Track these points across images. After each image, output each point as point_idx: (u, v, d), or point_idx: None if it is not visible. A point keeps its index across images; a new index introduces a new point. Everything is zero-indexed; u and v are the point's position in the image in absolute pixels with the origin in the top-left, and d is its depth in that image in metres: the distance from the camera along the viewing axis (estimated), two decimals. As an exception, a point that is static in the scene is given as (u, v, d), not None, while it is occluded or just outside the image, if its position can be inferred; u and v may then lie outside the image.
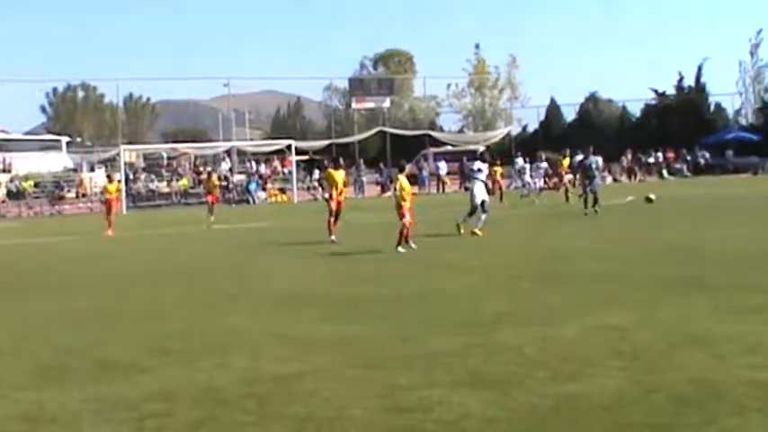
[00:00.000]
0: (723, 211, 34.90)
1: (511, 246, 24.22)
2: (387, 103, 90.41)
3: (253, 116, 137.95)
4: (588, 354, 10.54)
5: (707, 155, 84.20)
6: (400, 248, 23.59)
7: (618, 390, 8.90)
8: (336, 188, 27.97)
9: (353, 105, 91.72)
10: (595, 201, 35.05)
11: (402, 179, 24.84)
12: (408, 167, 77.85)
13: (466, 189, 70.49)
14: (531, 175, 53.49)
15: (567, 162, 46.28)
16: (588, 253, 22.35)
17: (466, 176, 27.77)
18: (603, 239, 26.03)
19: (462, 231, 27.22)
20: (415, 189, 66.24)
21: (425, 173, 77.46)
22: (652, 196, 39.30)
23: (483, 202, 27.78)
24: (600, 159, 38.44)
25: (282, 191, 73.23)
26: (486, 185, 29.21)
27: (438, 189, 74.16)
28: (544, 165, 53.75)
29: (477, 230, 27.07)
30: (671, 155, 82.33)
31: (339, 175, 28.45)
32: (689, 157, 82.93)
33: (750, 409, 8.04)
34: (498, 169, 50.31)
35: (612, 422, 7.94)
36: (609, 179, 73.75)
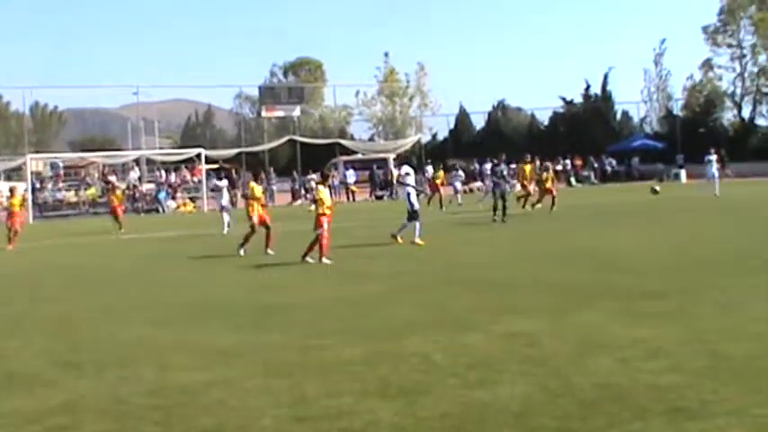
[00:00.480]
0: (629, 218, 35.25)
1: (421, 253, 24.26)
2: (297, 112, 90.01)
3: (162, 124, 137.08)
4: (496, 360, 10.62)
5: (613, 162, 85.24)
6: (326, 260, 23.14)
7: (526, 395, 8.99)
8: (258, 201, 27.60)
9: (263, 114, 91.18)
10: (504, 209, 35.21)
11: (322, 190, 24.44)
12: (317, 176, 78.31)
13: (377, 198, 70.90)
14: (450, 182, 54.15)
15: (529, 168, 44.90)
16: (497, 260, 22.48)
17: (398, 183, 27.12)
18: (511, 246, 26.15)
19: (401, 241, 26.91)
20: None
21: (335, 181, 77.42)
22: (657, 188, 39.36)
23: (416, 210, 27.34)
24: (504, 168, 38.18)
25: (192, 200, 72.69)
26: (418, 191, 29.14)
27: (348, 197, 74.11)
28: (461, 173, 54.35)
29: (417, 240, 26.58)
30: (579, 162, 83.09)
31: (258, 189, 28.11)
32: (596, 165, 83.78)
33: (653, 413, 8.17)
34: (441, 174, 49.58)
35: (521, 427, 8.02)
36: (518, 186, 74.28)
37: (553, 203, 40.37)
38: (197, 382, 10.44)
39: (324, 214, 23.60)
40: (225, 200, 38.84)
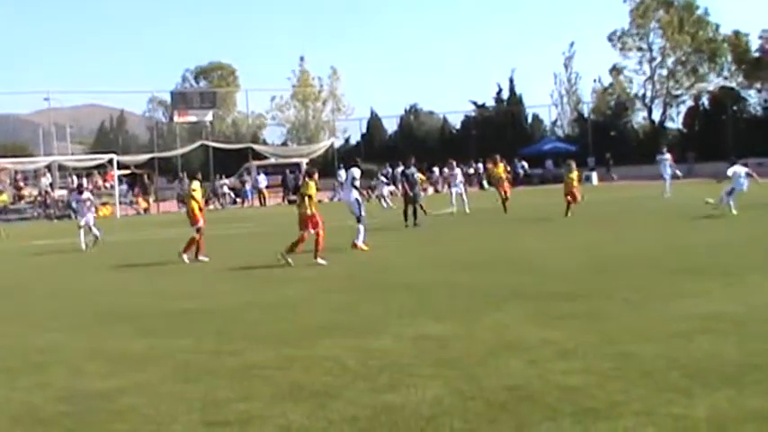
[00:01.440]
0: (543, 221, 35.41)
1: (335, 258, 24.19)
2: (209, 117, 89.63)
3: (75, 130, 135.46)
4: (407, 364, 10.65)
5: (526, 165, 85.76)
6: (320, 260, 22.74)
7: (436, 398, 9.02)
8: (199, 203, 26.80)
9: (176, 119, 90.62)
10: (415, 212, 35.19)
11: (312, 186, 23.81)
12: (231, 181, 78.02)
13: (290, 202, 70.76)
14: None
15: (501, 169, 44.24)
16: (409, 264, 22.54)
17: (351, 186, 26.27)
18: (424, 251, 26.20)
19: (366, 248, 26.13)
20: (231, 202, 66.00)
21: (248, 186, 77.16)
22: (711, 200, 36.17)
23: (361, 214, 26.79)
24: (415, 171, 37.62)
25: (105, 205, 72.05)
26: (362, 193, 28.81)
27: (260, 202, 73.99)
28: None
29: (360, 244, 26.16)
30: (490, 165, 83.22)
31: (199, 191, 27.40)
32: (508, 168, 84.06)
33: (563, 414, 8.24)
34: (422, 177, 47.72)
35: (431, 431, 8.06)
36: (430, 190, 74.53)
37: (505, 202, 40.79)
38: (109, 388, 10.36)
39: (313, 215, 23.32)
40: (88, 217, 34.26)
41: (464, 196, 44.14)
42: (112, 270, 25.16)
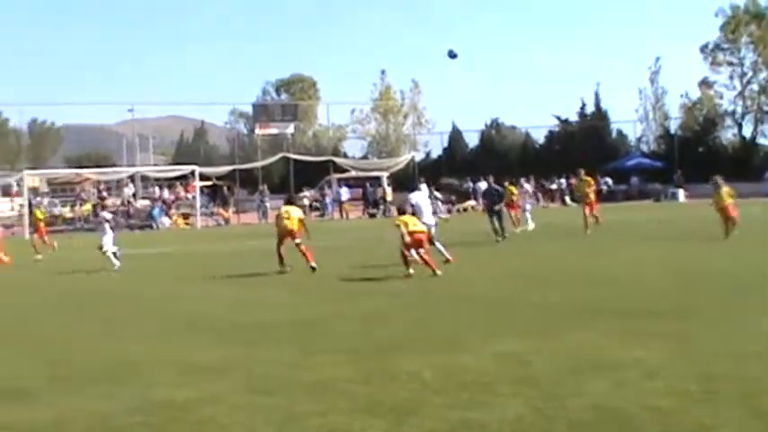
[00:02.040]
0: (627, 237, 34.93)
1: (414, 273, 23.93)
2: (290, 129, 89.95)
3: (157, 141, 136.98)
4: (487, 381, 10.44)
5: (609, 181, 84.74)
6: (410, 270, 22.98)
7: (517, 417, 8.81)
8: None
9: (257, 131, 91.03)
10: (502, 228, 34.79)
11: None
12: (311, 193, 78.13)
13: (370, 216, 70.63)
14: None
15: (586, 184, 41.53)
16: (490, 280, 22.28)
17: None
18: (503, 266, 25.92)
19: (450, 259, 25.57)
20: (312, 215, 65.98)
21: (328, 199, 77.20)
22: None
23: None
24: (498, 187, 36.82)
25: (186, 216, 72.49)
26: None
27: (341, 215, 73.94)
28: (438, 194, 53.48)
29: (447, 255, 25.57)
30: (574, 181, 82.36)
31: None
32: (592, 183, 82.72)
33: (649, 436, 7.99)
34: (513, 189, 45.49)
35: (512, 450, 7.86)
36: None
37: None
38: (186, 398, 10.30)
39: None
40: (108, 237, 31.12)
41: (527, 213, 43.21)
42: (192, 281, 25.17)
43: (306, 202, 77.66)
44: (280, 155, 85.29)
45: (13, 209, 72.56)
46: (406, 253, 23.20)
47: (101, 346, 14.65)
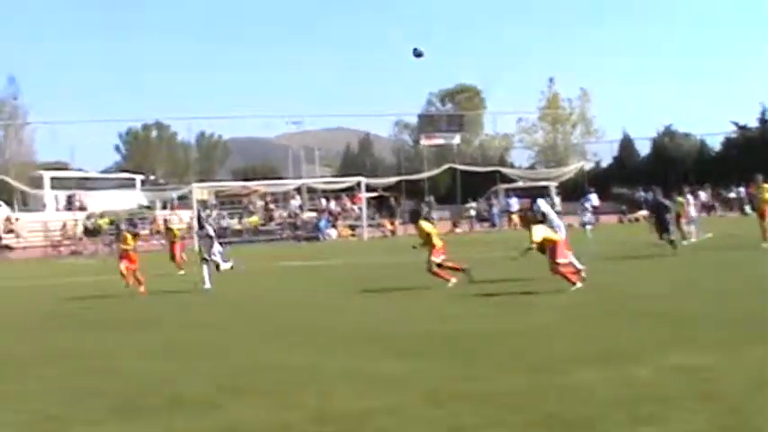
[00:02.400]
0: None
1: (584, 285, 23.54)
2: (456, 140, 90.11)
3: (322, 153, 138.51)
4: (666, 395, 10.16)
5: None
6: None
7: (698, 433, 8.52)
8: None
9: (422, 142, 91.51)
10: (671, 241, 33.87)
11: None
12: (477, 204, 77.98)
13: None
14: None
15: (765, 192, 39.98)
16: (666, 292, 21.67)
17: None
18: (680, 278, 25.33)
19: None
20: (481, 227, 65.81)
21: (496, 210, 76.95)
22: None
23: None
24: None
25: (352, 228, 73.10)
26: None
27: (510, 225, 73.46)
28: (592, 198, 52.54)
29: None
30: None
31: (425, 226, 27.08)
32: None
33: None
34: (681, 200, 44.01)
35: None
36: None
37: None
38: (360, 409, 10.32)
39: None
40: (216, 248, 29.74)
41: (693, 225, 41.93)
42: (360, 292, 25.18)
43: (472, 213, 77.64)
44: (446, 166, 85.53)
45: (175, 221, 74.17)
46: (559, 264, 22.46)
47: (273, 355, 14.81)
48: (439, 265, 24.53)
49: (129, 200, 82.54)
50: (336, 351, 15.01)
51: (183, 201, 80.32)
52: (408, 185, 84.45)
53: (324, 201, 79.32)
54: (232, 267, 29.95)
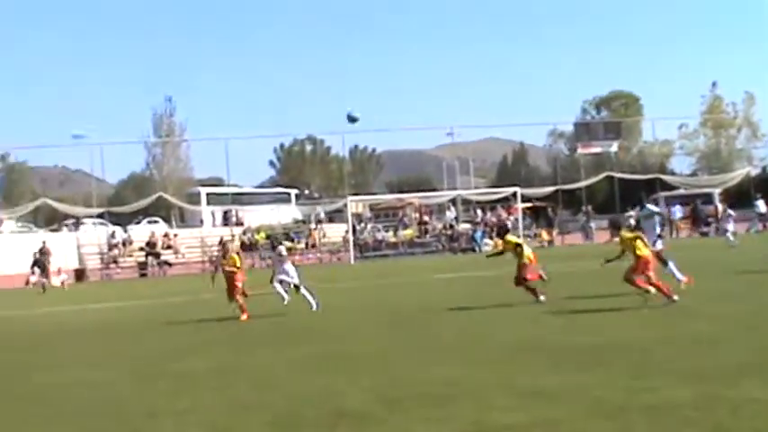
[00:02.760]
0: None
1: (741, 294, 22.74)
2: (614, 148, 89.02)
3: (476, 163, 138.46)
4: None
5: None
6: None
7: None
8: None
9: (579, 150, 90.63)
10: None
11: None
12: (635, 213, 76.74)
13: (702, 234, 68.50)
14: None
15: None
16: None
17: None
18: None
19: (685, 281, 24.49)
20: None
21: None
22: None
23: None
24: None
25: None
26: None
27: (672, 234, 72.03)
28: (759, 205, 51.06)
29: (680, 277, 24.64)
30: None
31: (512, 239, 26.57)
32: None
33: None
34: None
35: None
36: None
37: None
38: (519, 422, 10.09)
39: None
40: (289, 268, 27.51)
41: None
42: (517, 304, 24.72)
43: (632, 222, 76.41)
44: (603, 174, 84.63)
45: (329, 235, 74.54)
46: (637, 279, 21.66)
47: (429, 368, 14.62)
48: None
49: (285, 214, 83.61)
50: (490, 363, 14.78)
51: (338, 214, 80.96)
52: (565, 195, 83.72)
53: (479, 212, 79.05)
54: (287, 290, 27.30)
